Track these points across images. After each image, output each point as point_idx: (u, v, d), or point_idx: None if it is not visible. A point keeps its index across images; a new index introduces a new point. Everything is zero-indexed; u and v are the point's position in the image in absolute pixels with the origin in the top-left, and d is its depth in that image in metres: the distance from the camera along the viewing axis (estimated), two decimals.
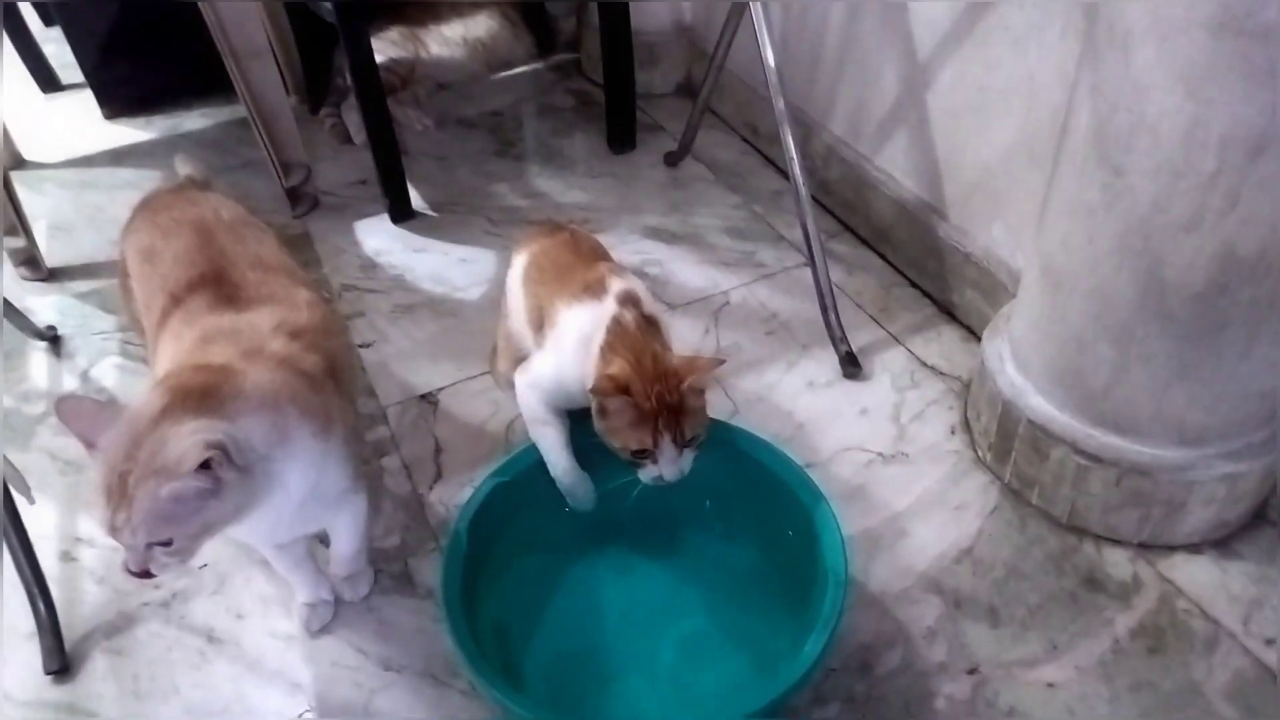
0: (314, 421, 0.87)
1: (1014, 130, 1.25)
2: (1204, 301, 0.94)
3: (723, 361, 1.00)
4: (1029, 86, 1.20)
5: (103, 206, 1.83)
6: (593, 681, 1.00)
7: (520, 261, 1.12)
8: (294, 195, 1.73)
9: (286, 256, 1.06)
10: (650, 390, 0.93)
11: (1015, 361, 1.16)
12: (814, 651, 0.88)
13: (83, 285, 1.63)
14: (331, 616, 1.08)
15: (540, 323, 1.07)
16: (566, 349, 1.01)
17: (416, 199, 1.75)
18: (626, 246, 1.60)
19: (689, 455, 0.97)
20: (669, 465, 0.96)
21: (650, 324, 1.00)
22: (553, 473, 1.04)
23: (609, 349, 0.97)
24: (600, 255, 1.11)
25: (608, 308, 1.00)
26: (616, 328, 0.98)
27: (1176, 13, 0.81)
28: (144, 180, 1.89)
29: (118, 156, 1.99)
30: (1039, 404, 1.12)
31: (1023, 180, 1.25)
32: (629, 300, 1.00)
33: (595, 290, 1.02)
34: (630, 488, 0.99)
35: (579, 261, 1.07)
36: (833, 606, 0.91)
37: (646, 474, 0.97)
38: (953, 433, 1.27)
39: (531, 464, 1.06)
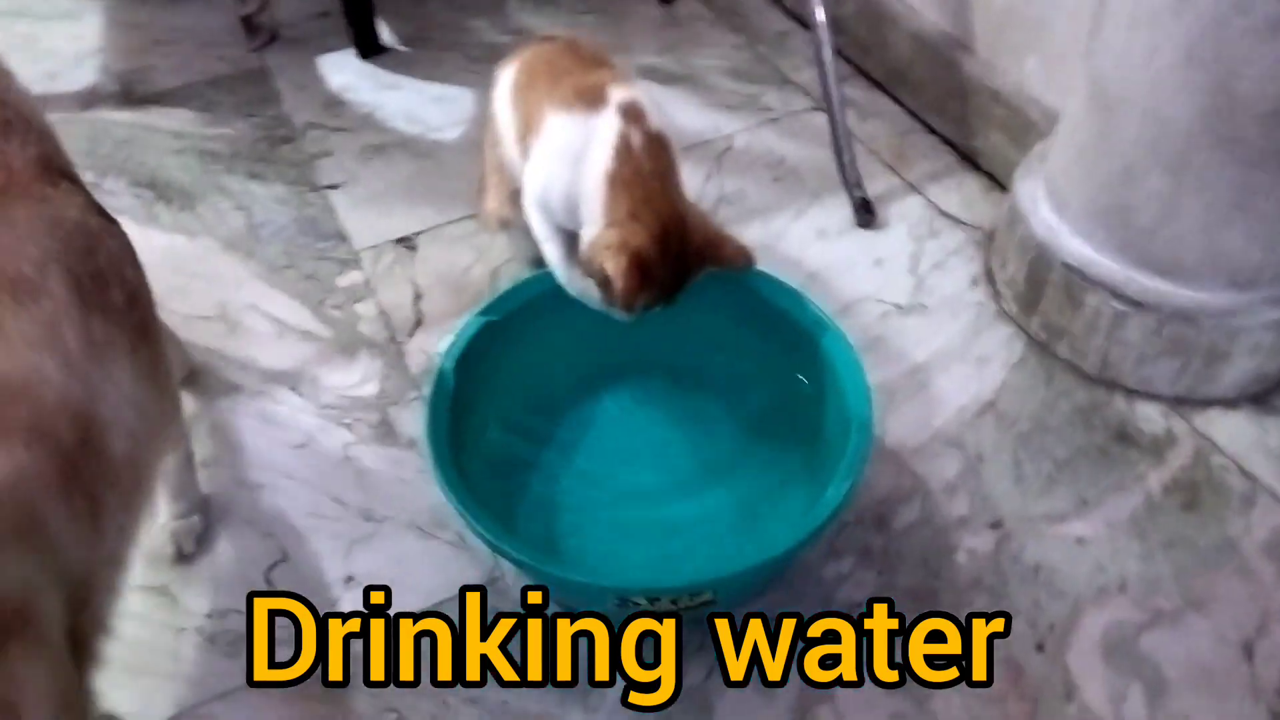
0: None
1: None
2: (1277, 120, 0.84)
3: (753, 263, 0.89)
4: None
5: (38, 37, 1.65)
6: (589, 525, 0.94)
7: (509, 73, 0.98)
8: (249, 26, 1.56)
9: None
10: (668, 265, 0.83)
11: (1052, 201, 1.06)
12: (836, 496, 0.80)
13: None
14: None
15: (528, 136, 0.92)
16: (551, 160, 0.88)
17: (386, 33, 1.59)
18: None
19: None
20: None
21: (659, 145, 0.86)
22: (562, 283, 0.94)
23: (619, 188, 0.83)
24: (604, 62, 0.97)
25: (606, 121, 0.85)
26: (625, 154, 0.83)
27: None
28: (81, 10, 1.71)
29: None
30: (1076, 246, 1.03)
31: (1064, 4, 1.13)
32: (633, 115, 0.85)
33: (591, 99, 0.86)
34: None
35: (577, 67, 0.93)
36: (856, 451, 0.83)
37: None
38: (974, 284, 1.18)
39: (522, 303, 0.97)
